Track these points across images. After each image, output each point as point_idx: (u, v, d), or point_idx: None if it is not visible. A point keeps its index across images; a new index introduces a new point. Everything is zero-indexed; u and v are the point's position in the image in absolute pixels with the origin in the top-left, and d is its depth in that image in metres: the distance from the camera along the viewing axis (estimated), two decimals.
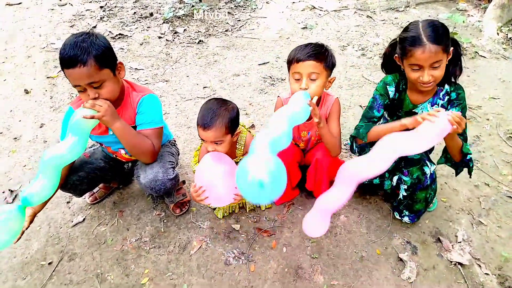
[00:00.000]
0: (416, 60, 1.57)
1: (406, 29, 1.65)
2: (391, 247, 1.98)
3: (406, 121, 1.60)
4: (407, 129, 1.55)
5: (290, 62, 1.78)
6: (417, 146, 1.38)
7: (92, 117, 1.53)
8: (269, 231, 2.08)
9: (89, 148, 2.08)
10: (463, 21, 3.63)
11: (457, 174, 1.87)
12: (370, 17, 4.34)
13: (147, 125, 1.77)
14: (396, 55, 1.71)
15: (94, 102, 1.55)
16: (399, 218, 2.06)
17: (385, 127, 1.76)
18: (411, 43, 1.56)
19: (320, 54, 1.71)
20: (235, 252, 1.98)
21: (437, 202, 2.20)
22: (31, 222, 1.76)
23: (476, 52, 3.58)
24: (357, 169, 1.39)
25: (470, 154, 1.73)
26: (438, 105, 1.80)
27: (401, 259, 1.91)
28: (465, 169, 1.83)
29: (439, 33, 1.53)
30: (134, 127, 1.80)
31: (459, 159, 1.74)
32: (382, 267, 1.89)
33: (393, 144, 1.38)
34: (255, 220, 2.15)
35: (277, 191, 1.28)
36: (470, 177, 1.90)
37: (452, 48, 1.60)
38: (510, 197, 2.23)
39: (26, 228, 1.73)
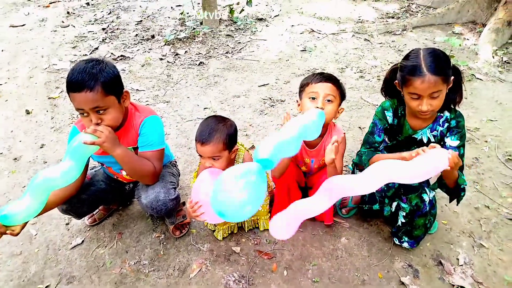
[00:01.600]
0: (415, 89, 1.58)
1: (407, 57, 1.66)
2: (392, 270, 1.97)
3: (406, 154, 1.62)
4: None
5: (305, 85, 1.83)
6: (408, 177, 1.35)
7: (93, 143, 1.54)
8: (270, 253, 2.07)
9: (90, 170, 2.08)
10: (460, 44, 3.70)
11: (450, 200, 1.88)
12: (368, 40, 4.43)
13: (149, 147, 1.79)
14: (397, 81, 1.74)
15: (96, 128, 1.56)
16: (399, 244, 2.05)
17: (386, 157, 1.77)
18: (411, 73, 1.58)
19: (336, 80, 1.81)
20: (235, 275, 1.96)
21: (438, 225, 2.19)
22: (22, 228, 1.65)
23: (473, 74, 3.65)
24: (343, 184, 1.37)
25: (465, 184, 1.75)
26: (437, 131, 1.82)
27: (403, 283, 1.89)
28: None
29: (440, 64, 1.54)
30: (136, 148, 1.81)
31: (453, 186, 1.75)
32: None
33: (385, 170, 1.36)
34: (255, 242, 2.13)
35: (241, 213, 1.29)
36: (457, 205, 1.93)
37: (453, 77, 1.63)
38: (511, 219, 2.23)
39: (16, 234, 1.61)
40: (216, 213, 1.30)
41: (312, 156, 2.06)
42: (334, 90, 1.76)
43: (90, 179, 2.01)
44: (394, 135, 1.93)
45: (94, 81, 1.50)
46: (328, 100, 1.76)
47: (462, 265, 1.98)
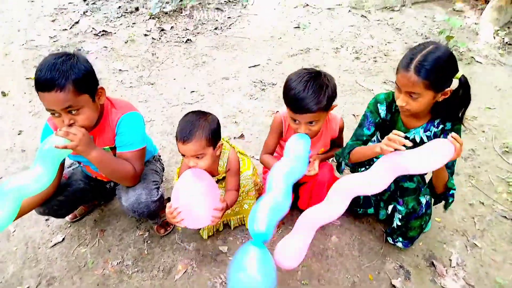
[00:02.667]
0: (397, 80, 1.50)
1: (415, 47, 1.52)
2: (383, 272, 1.92)
3: (378, 147, 1.48)
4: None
5: (287, 103, 1.63)
6: (421, 166, 1.34)
7: (65, 147, 1.40)
8: None
9: (67, 168, 1.94)
10: (460, 25, 3.53)
11: (435, 203, 1.82)
12: (365, 16, 4.22)
13: (127, 147, 1.65)
14: None
15: (68, 130, 1.41)
16: (392, 243, 1.99)
17: (364, 151, 1.69)
18: (402, 62, 1.47)
19: (318, 103, 1.56)
20: (222, 277, 1.90)
21: (431, 222, 2.14)
22: None
23: (472, 57, 3.51)
24: (354, 184, 1.37)
25: (454, 189, 1.67)
26: (431, 131, 1.71)
27: (394, 286, 1.85)
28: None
29: (433, 69, 1.39)
30: (114, 148, 1.68)
31: (441, 191, 1.69)
32: None
33: (395, 163, 1.35)
34: (243, 240, 2.06)
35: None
36: (445, 211, 1.85)
37: (450, 89, 1.48)
38: (505, 217, 2.19)
39: None
40: None
41: None
42: (316, 115, 1.60)
43: (67, 178, 1.88)
44: (386, 131, 1.82)
45: (65, 79, 1.35)
46: (311, 123, 1.63)
47: (454, 266, 1.95)
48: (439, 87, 1.44)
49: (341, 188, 1.41)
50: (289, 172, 1.44)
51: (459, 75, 1.48)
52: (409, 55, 1.46)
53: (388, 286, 1.86)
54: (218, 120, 1.70)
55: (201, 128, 1.58)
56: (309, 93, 1.54)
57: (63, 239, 2.08)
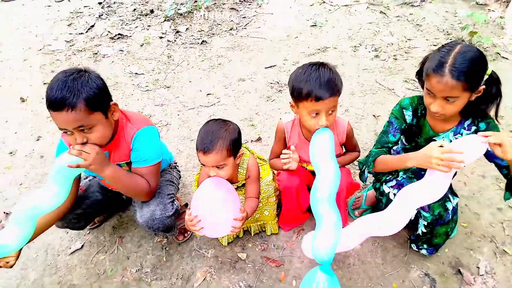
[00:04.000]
0: (430, 86, 1.44)
1: (440, 48, 1.48)
2: (408, 280, 1.86)
3: (411, 162, 1.48)
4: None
5: (302, 97, 1.56)
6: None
7: (78, 166, 1.40)
8: (278, 261, 1.96)
9: (84, 179, 1.94)
10: (485, 20, 3.39)
11: None
12: (384, 13, 4.10)
13: (143, 162, 1.62)
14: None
15: (81, 148, 1.39)
16: (417, 250, 1.93)
17: (390, 161, 1.63)
18: (433, 67, 1.41)
19: (336, 86, 1.54)
20: (242, 285, 1.87)
21: (457, 228, 2.05)
22: (17, 258, 1.58)
23: (498, 53, 3.36)
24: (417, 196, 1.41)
25: None
26: (461, 135, 1.64)
27: None
28: None
29: (468, 69, 1.35)
30: (129, 163, 1.67)
31: None
32: None
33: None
34: (262, 248, 2.02)
35: None
36: None
37: (483, 87, 1.43)
38: None
39: (11, 266, 1.55)
40: None
41: None
42: (335, 100, 1.56)
43: (84, 191, 1.87)
44: (413, 137, 1.76)
45: (76, 98, 1.31)
46: (331, 112, 1.59)
47: (483, 274, 1.86)
48: (475, 87, 1.41)
49: (405, 200, 1.42)
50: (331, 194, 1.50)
51: (489, 71, 1.44)
52: (438, 58, 1.41)
53: None
54: (239, 129, 1.68)
55: (222, 138, 1.55)
56: (326, 76, 1.52)
57: (82, 246, 2.09)
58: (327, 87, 1.50)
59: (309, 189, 2.03)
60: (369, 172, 1.78)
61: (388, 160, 1.64)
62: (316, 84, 1.51)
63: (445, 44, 1.49)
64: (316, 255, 1.42)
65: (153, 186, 1.65)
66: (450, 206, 1.70)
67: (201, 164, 1.65)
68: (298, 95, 1.57)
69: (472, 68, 1.35)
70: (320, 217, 1.45)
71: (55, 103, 1.31)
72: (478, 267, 1.89)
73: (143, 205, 1.71)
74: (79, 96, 1.32)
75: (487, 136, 1.33)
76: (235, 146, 1.61)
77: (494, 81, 1.47)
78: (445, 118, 1.57)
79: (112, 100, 1.50)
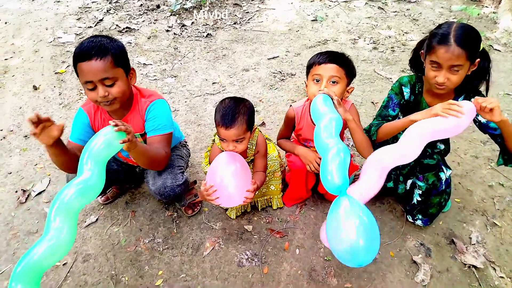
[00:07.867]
0: (437, 57, 1.54)
1: (439, 26, 1.61)
2: (404, 249, 1.97)
3: (415, 116, 1.56)
4: None
5: (310, 66, 1.75)
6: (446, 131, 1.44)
7: (124, 141, 1.39)
8: (282, 232, 2.08)
9: None
10: (478, 14, 3.53)
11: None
12: (382, 8, 4.25)
13: (157, 131, 1.75)
14: (422, 50, 1.68)
15: (122, 124, 1.39)
16: (412, 221, 2.05)
17: (394, 124, 1.72)
18: (438, 40, 1.53)
19: (343, 60, 1.70)
20: (248, 253, 1.98)
21: (451, 203, 2.18)
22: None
23: (491, 45, 3.51)
24: (429, 127, 1.44)
25: None
26: None
27: (415, 262, 1.90)
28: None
29: (469, 38, 1.49)
30: (143, 134, 1.79)
31: None
32: (395, 269, 1.88)
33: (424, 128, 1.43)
34: (267, 221, 2.14)
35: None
36: None
37: (478, 60, 1.56)
38: None
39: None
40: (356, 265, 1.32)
41: None
42: (339, 70, 1.67)
43: None
44: (410, 113, 1.87)
45: (105, 50, 1.49)
46: (333, 82, 1.68)
47: (474, 244, 1.98)
48: (474, 57, 1.53)
49: (416, 132, 1.45)
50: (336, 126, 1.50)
51: (481, 46, 1.56)
52: (441, 32, 1.53)
53: (409, 262, 1.91)
54: (253, 106, 1.80)
55: (242, 114, 1.68)
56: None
57: (97, 219, 2.20)
58: (331, 56, 1.68)
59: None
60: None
61: (393, 124, 1.72)
62: (323, 54, 1.71)
63: (441, 23, 1.62)
64: (327, 185, 1.36)
65: (168, 154, 1.77)
66: (443, 176, 1.82)
67: (221, 139, 1.76)
68: (308, 66, 1.76)
69: (472, 37, 1.49)
70: (325, 151, 1.43)
71: (86, 52, 1.46)
72: (470, 238, 2.01)
73: (155, 174, 1.83)
74: (107, 50, 1.49)
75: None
76: (251, 121, 1.75)
77: (485, 56, 1.60)
78: (435, 94, 1.69)
79: (131, 66, 1.65)
